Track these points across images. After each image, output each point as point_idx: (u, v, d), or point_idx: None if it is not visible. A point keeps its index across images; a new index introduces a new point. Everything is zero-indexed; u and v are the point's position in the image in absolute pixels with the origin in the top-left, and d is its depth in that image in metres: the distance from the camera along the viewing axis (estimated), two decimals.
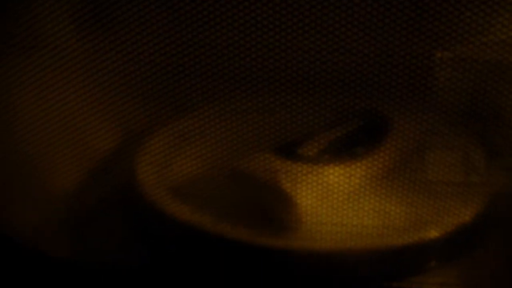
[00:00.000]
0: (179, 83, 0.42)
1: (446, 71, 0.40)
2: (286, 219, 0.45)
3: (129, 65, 0.42)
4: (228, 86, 0.42)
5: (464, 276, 0.43)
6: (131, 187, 0.49)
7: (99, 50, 0.42)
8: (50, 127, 0.45)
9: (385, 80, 0.39)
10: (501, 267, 0.43)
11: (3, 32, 0.42)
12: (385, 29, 0.38)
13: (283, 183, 0.44)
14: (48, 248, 0.47)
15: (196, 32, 0.40)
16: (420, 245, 0.44)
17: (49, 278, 0.46)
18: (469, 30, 0.36)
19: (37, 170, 0.47)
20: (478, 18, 0.36)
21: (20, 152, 0.46)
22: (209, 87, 0.42)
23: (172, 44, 0.41)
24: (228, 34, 0.40)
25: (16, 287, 0.47)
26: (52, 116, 0.44)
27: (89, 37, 0.42)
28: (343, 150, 0.47)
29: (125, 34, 0.41)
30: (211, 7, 0.39)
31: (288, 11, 0.38)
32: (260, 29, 0.39)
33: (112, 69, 0.43)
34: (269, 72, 0.41)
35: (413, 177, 0.43)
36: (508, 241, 0.43)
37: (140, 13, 0.41)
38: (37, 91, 0.43)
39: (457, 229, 0.43)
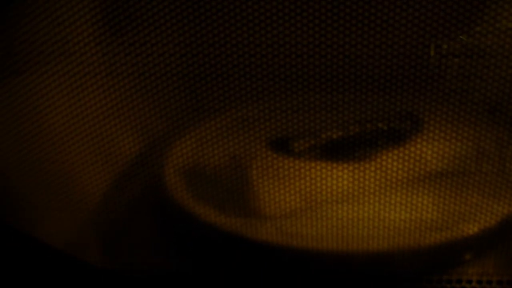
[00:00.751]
0: (203, 85, 0.42)
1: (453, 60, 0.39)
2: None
3: (151, 67, 0.42)
4: (253, 88, 0.42)
5: (503, 265, 0.43)
6: (158, 191, 0.48)
7: (121, 54, 0.42)
8: (77, 134, 0.45)
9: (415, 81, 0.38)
10: None
11: (27, 41, 0.42)
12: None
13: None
14: (82, 255, 0.47)
15: (220, 33, 0.40)
16: (456, 241, 0.43)
17: (81, 284, 0.46)
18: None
19: (67, 177, 0.47)
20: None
21: (52, 160, 0.46)
22: (235, 90, 0.42)
23: (195, 45, 0.41)
24: (254, 35, 0.39)
25: None
26: (78, 123, 0.44)
27: (110, 41, 0.42)
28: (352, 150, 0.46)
29: (145, 37, 0.41)
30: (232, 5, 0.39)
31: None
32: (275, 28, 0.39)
33: (133, 72, 0.42)
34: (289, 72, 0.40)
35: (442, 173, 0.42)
36: None
37: (161, 14, 0.40)
38: (63, 98, 0.43)
39: (494, 222, 0.43)
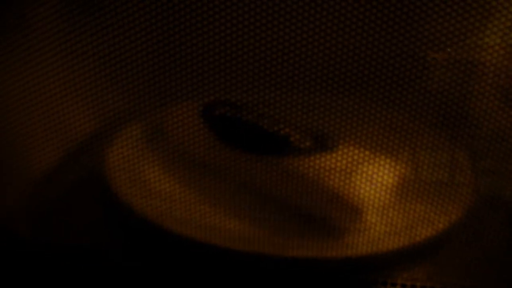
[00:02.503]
0: (161, 75, 0.42)
1: (433, 72, 0.41)
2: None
3: (112, 50, 0.42)
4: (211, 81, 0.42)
5: (434, 271, 0.45)
6: (99, 177, 0.48)
7: (84, 33, 0.42)
8: (29, 108, 0.44)
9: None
10: (469, 262, 0.45)
11: None
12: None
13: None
14: (24, 230, 0.46)
15: (187, 23, 0.40)
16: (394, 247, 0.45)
17: (27, 264, 0.46)
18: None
19: (14, 151, 0.46)
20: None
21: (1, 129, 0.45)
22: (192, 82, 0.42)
23: (159, 33, 0.41)
24: (220, 27, 0.40)
25: None
26: (31, 97, 0.43)
27: (75, 19, 0.42)
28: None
29: (111, 18, 0.41)
30: None
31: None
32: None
33: (94, 53, 0.42)
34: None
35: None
36: (475, 240, 0.45)
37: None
38: (18, 71, 0.42)
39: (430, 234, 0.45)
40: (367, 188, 0.44)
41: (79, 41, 0.42)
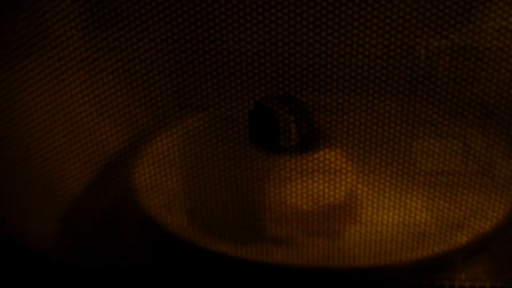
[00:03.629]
0: (182, 84, 0.41)
1: (444, 59, 0.39)
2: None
3: (133, 64, 0.41)
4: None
5: (495, 271, 0.42)
6: (127, 195, 0.47)
7: (104, 48, 0.41)
8: (57, 130, 0.43)
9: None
10: None
11: (10, 34, 0.41)
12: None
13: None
14: (54, 252, 0.45)
15: (202, 31, 0.39)
16: (447, 249, 0.42)
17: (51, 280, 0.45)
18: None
19: (44, 173, 0.45)
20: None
21: (30, 156, 0.44)
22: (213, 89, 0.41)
23: (177, 43, 0.40)
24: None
25: None
26: (58, 119, 0.43)
27: (94, 35, 0.41)
28: None
29: (130, 32, 0.40)
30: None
31: None
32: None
33: (115, 68, 0.41)
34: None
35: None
36: None
37: (146, 10, 0.40)
38: (44, 94, 0.42)
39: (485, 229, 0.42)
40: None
41: (101, 57, 0.41)
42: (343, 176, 0.41)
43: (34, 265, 0.45)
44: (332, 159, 0.42)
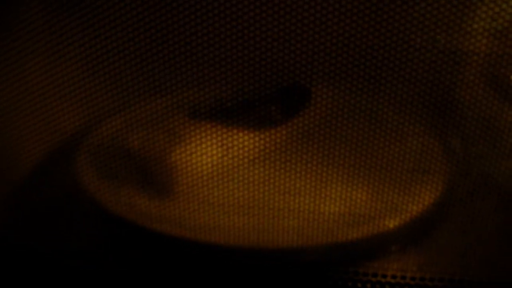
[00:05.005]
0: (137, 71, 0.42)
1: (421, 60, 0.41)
2: None
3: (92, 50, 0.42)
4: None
5: (423, 261, 0.44)
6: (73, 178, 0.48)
7: (68, 30, 0.42)
8: (11, 106, 0.44)
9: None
10: (458, 251, 0.44)
11: None
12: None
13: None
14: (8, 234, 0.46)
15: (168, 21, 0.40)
16: (378, 233, 0.44)
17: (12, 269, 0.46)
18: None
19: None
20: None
21: None
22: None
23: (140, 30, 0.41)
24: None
25: None
26: (13, 95, 0.43)
27: (59, 17, 0.42)
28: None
29: (94, 16, 0.41)
30: None
31: None
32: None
33: (75, 52, 0.42)
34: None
35: (371, 164, 0.43)
36: (463, 227, 0.44)
37: None
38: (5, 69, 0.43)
39: (414, 216, 0.44)
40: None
41: (65, 39, 0.42)
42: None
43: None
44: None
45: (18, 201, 0.48)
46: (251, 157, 0.44)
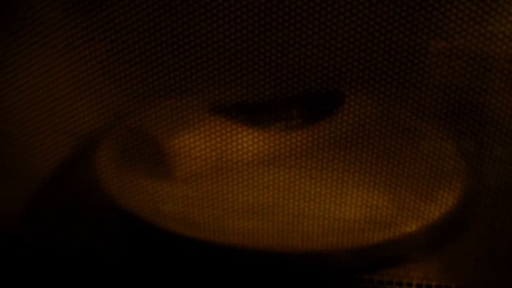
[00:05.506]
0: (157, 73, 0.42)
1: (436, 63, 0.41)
2: None
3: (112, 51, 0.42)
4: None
5: (444, 269, 0.44)
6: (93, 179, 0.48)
7: (85, 30, 0.42)
8: (27, 110, 0.44)
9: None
10: (480, 258, 0.44)
11: None
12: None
13: None
14: (26, 233, 0.46)
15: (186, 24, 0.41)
16: (398, 238, 0.44)
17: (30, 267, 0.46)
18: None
19: (17, 153, 0.46)
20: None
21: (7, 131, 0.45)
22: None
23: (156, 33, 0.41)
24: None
25: None
26: (30, 98, 0.43)
27: (76, 17, 0.42)
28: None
29: (109, 16, 0.41)
30: None
31: None
32: None
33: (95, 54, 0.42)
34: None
35: (389, 169, 0.43)
36: (487, 233, 0.44)
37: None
38: (24, 72, 0.42)
39: (434, 222, 0.44)
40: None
41: (81, 39, 0.42)
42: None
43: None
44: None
45: (38, 202, 0.48)
46: (271, 160, 0.44)
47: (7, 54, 0.42)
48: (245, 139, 0.43)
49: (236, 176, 0.44)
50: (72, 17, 0.42)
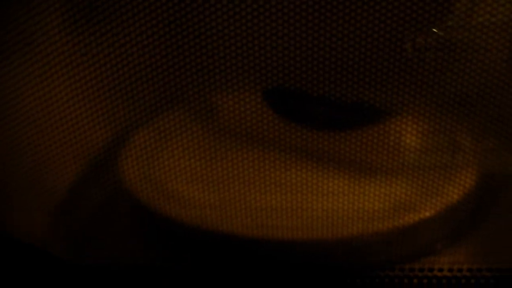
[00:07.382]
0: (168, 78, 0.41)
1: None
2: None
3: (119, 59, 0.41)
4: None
5: (473, 253, 0.44)
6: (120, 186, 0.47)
7: (89, 46, 0.41)
8: (44, 123, 0.43)
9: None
10: (507, 240, 0.45)
11: None
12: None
13: None
14: (52, 249, 0.46)
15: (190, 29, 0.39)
16: (423, 226, 0.44)
17: (49, 277, 0.46)
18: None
19: (36, 170, 0.45)
20: None
21: (20, 152, 0.45)
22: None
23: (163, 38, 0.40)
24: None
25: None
26: (45, 112, 0.43)
27: (78, 31, 0.41)
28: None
29: (113, 29, 0.40)
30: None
31: None
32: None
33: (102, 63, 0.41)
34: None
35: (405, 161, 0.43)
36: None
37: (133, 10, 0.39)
38: (30, 90, 0.42)
39: (455, 208, 0.44)
40: None
41: (83, 49, 0.41)
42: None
43: (34, 264, 0.46)
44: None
45: (61, 214, 0.48)
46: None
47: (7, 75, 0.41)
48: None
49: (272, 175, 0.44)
50: (73, 30, 0.40)
